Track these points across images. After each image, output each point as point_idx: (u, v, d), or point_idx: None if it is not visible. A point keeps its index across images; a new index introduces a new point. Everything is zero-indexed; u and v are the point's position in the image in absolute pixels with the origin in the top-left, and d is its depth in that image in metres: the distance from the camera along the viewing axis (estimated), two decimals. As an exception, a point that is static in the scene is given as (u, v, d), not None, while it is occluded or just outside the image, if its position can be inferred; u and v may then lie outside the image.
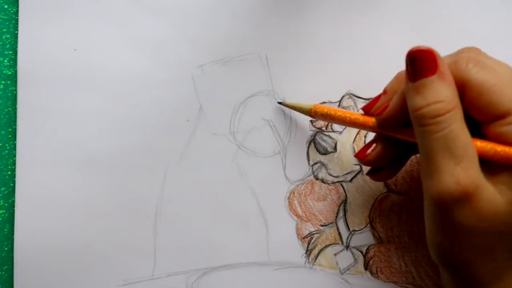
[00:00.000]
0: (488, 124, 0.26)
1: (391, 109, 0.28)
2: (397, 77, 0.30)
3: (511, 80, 0.26)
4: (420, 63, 0.25)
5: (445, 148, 0.24)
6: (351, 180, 0.36)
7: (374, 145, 0.31)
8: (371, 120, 0.30)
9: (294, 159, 0.36)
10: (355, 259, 0.35)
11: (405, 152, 0.31)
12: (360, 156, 0.31)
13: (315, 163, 0.36)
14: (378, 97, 0.31)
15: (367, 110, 0.31)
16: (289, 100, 0.36)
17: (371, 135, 0.36)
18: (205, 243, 0.36)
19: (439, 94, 0.25)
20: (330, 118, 0.32)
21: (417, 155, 0.34)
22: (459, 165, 0.24)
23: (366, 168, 0.35)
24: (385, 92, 0.30)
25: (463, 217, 0.25)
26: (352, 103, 0.36)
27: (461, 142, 0.24)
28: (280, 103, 0.36)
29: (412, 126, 0.27)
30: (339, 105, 0.36)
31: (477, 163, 0.25)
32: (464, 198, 0.24)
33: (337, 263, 0.35)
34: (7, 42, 0.38)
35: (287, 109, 0.36)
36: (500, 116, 0.25)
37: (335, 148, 0.36)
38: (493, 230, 0.25)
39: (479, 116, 0.26)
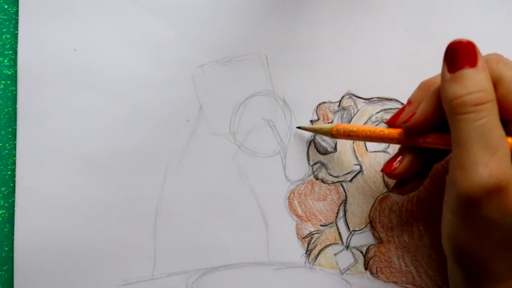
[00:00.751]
0: None
1: (420, 114, 0.28)
2: (420, 86, 0.30)
3: None
4: (460, 54, 0.26)
5: (481, 138, 0.25)
6: (351, 180, 0.36)
7: (400, 157, 0.31)
8: (397, 131, 0.30)
9: (294, 159, 0.36)
10: (355, 259, 0.35)
11: (429, 162, 0.31)
12: (387, 169, 0.31)
13: (315, 163, 0.36)
14: (402, 109, 0.31)
15: (391, 123, 0.31)
16: (290, 100, 0.36)
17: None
18: (205, 243, 0.36)
19: (480, 84, 0.25)
20: (354, 134, 0.31)
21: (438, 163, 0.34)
22: (494, 156, 0.24)
23: (365, 168, 0.35)
24: (409, 102, 0.30)
25: (490, 211, 0.25)
26: (352, 103, 0.36)
27: (497, 133, 0.25)
28: (299, 127, 0.35)
29: (440, 131, 0.28)
30: (339, 105, 0.36)
31: (509, 157, 0.25)
32: (495, 190, 0.24)
33: (337, 263, 0.35)
34: (7, 42, 0.38)
35: (287, 110, 0.36)
36: None
37: (335, 148, 0.36)
38: None
39: (508, 113, 0.27)
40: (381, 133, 0.30)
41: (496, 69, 0.27)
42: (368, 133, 0.31)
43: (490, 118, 0.25)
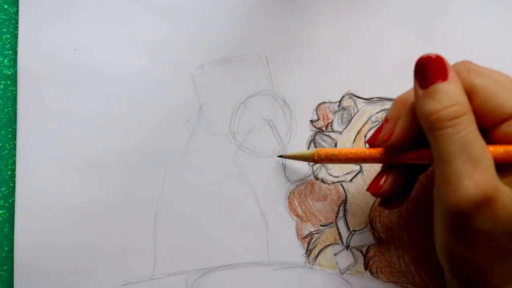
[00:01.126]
0: (496, 128, 0.27)
1: (398, 132, 0.28)
2: (395, 103, 0.30)
3: (507, 83, 0.27)
4: (430, 70, 0.26)
5: (462, 151, 0.24)
6: (351, 180, 0.36)
7: (384, 176, 0.30)
8: (378, 151, 0.30)
9: (294, 159, 0.36)
10: (355, 259, 0.35)
11: (414, 175, 0.31)
12: (373, 190, 0.31)
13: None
14: (380, 128, 0.31)
15: (372, 142, 0.31)
16: (290, 100, 0.36)
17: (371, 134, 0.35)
18: (205, 243, 0.36)
19: (454, 98, 0.25)
20: (336, 158, 0.31)
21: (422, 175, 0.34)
22: (477, 168, 0.24)
23: (366, 168, 0.35)
24: (386, 120, 0.30)
25: (481, 222, 0.25)
26: (352, 103, 0.36)
27: (478, 145, 0.25)
28: (280, 156, 0.35)
29: (420, 146, 0.28)
30: (339, 105, 0.36)
31: (493, 166, 0.25)
32: (483, 202, 0.24)
33: (337, 263, 0.35)
34: (7, 42, 0.38)
35: (287, 110, 0.36)
36: (508, 116, 0.26)
37: (335, 148, 0.36)
38: (509, 234, 0.25)
39: (486, 121, 0.26)
40: (363, 154, 0.30)
41: (468, 79, 0.26)
42: (350, 155, 0.31)
43: (468, 130, 0.25)
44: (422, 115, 0.26)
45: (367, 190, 0.31)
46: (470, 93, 0.26)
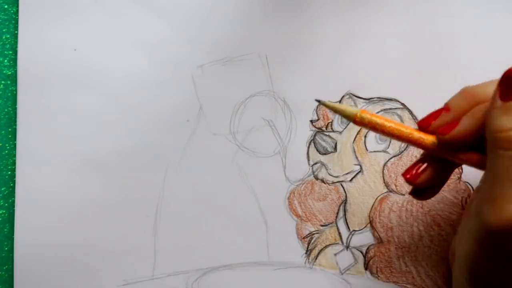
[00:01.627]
0: None
1: (462, 131, 0.27)
2: (462, 93, 0.28)
3: None
4: None
5: None
6: (351, 180, 0.36)
7: (424, 166, 0.29)
8: (429, 139, 0.27)
9: (294, 159, 0.36)
10: (355, 259, 0.35)
11: (451, 169, 0.30)
12: (411, 178, 0.29)
13: (315, 163, 0.36)
14: (438, 112, 0.28)
15: (425, 126, 0.28)
16: (290, 100, 0.36)
17: (372, 135, 0.35)
18: (205, 243, 0.36)
19: None
20: (380, 128, 0.28)
21: None
22: None
23: (365, 168, 0.35)
24: (447, 108, 0.28)
25: None
26: (352, 103, 0.36)
27: None
28: (318, 101, 0.30)
29: (479, 150, 0.27)
30: (339, 105, 0.36)
31: None
32: None
33: (337, 263, 0.35)
34: (7, 42, 0.38)
35: (287, 110, 0.36)
36: None
37: (335, 148, 0.36)
38: None
39: None
40: (410, 135, 0.28)
41: None
42: (396, 131, 0.28)
43: None
44: (490, 127, 0.25)
45: (402, 175, 0.29)
46: None
